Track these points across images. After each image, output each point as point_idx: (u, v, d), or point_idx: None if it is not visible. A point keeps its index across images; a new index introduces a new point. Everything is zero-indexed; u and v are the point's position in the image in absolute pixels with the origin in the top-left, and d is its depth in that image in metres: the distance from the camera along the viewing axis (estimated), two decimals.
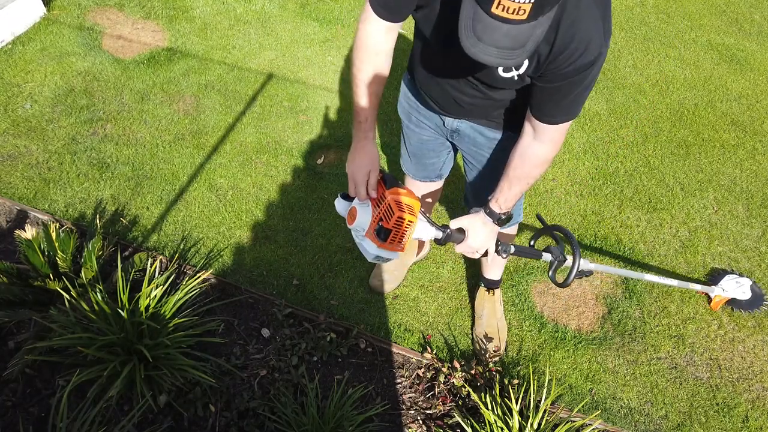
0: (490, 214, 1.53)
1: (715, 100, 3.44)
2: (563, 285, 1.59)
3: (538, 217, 1.84)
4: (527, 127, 1.41)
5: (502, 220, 1.54)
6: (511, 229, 2.01)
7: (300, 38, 3.58)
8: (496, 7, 0.98)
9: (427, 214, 1.58)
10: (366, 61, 1.42)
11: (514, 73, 1.30)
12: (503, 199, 1.50)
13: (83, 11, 3.55)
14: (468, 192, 1.93)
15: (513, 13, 0.98)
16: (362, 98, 1.46)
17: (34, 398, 1.91)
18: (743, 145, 3.17)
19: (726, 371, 2.23)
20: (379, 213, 1.43)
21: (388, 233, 1.41)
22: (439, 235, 1.55)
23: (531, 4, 0.96)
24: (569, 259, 1.67)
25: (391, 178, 1.49)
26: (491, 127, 1.61)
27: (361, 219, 1.48)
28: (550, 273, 1.69)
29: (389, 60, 1.46)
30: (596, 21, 1.17)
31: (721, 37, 3.96)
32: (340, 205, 1.60)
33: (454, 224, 1.58)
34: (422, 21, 1.37)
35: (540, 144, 1.40)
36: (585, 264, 1.78)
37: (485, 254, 1.61)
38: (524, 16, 0.98)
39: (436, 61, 1.49)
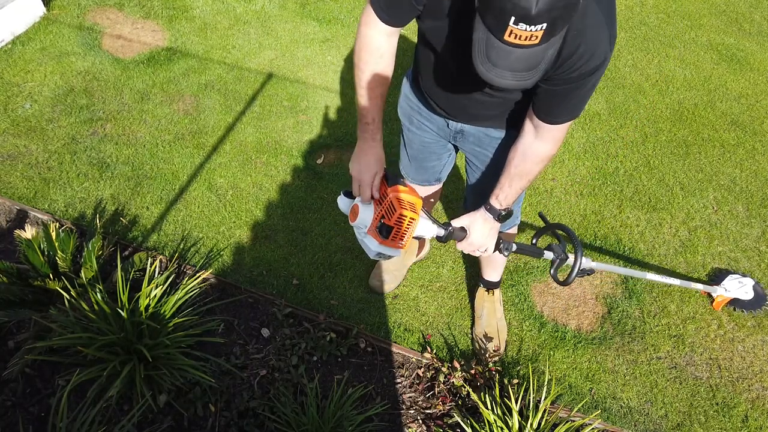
0: (491, 210, 1.54)
1: (714, 100, 3.44)
2: (565, 283, 1.60)
3: (541, 215, 1.85)
4: (528, 126, 1.41)
5: (502, 216, 1.55)
6: (511, 230, 2.01)
7: (300, 38, 3.58)
8: (509, 36, 1.00)
9: (429, 212, 1.59)
10: (369, 62, 1.42)
11: None
12: (503, 195, 1.51)
13: (83, 11, 3.55)
14: (468, 194, 1.92)
15: (525, 40, 1.00)
16: (367, 100, 1.46)
17: (34, 398, 1.91)
18: (743, 144, 3.17)
19: (726, 371, 2.23)
20: (381, 210, 1.44)
21: (389, 230, 1.42)
22: (441, 232, 1.56)
23: (542, 31, 0.98)
24: (571, 257, 1.67)
25: (393, 176, 1.49)
26: (495, 127, 1.61)
27: (363, 216, 1.48)
28: (552, 271, 1.70)
29: (392, 61, 1.46)
30: (602, 28, 1.18)
31: (721, 37, 3.96)
32: (343, 203, 1.61)
33: (456, 223, 1.58)
34: (431, 32, 1.37)
35: (542, 142, 1.41)
36: (587, 262, 1.78)
37: (486, 252, 1.61)
38: (536, 41, 1.01)
39: (447, 71, 1.49)
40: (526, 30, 0.98)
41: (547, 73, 1.24)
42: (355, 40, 1.44)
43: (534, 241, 1.80)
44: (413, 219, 1.41)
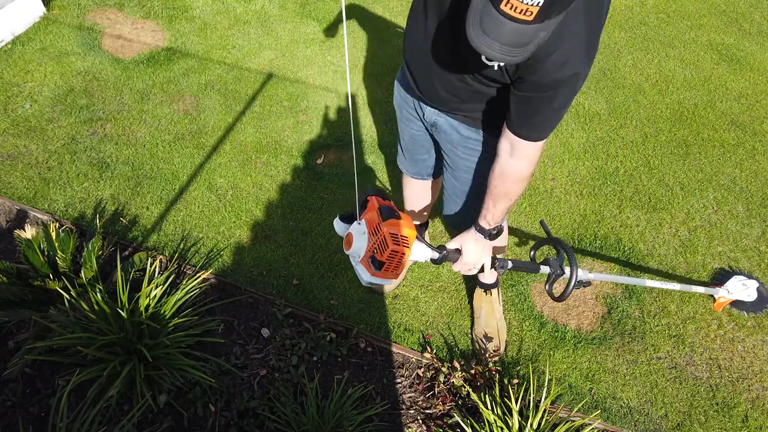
0: (481, 231, 1.58)
1: (714, 100, 3.44)
2: (560, 299, 1.60)
3: (542, 224, 1.84)
4: (504, 145, 1.45)
5: (493, 235, 1.59)
6: (501, 240, 2.01)
7: (300, 38, 3.58)
8: (505, 5, 1.01)
9: (423, 238, 1.60)
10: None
11: (496, 63, 1.32)
12: (491, 216, 1.56)
13: (83, 11, 3.55)
14: (446, 213, 1.96)
15: (521, 13, 1.01)
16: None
17: (34, 398, 1.91)
18: (743, 144, 3.17)
19: (726, 371, 2.23)
20: (374, 244, 1.44)
21: (382, 264, 1.42)
22: (435, 255, 1.58)
23: (539, 7, 0.99)
24: (567, 271, 1.66)
25: (388, 209, 1.48)
26: (467, 124, 1.63)
27: (357, 246, 1.49)
28: (547, 287, 1.69)
29: None
30: (579, 42, 1.20)
31: (721, 37, 3.96)
32: (339, 227, 1.62)
33: (451, 245, 1.62)
34: None
35: (517, 161, 1.45)
36: (584, 274, 1.78)
37: (482, 270, 1.64)
38: (531, 18, 1.01)
39: (428, 31, 1.49)
40: (522, 2, 0.99)
41: (519, 69, 1.26)
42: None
43: (532, 253, 1.79)
44: (404, 254, 1.42)
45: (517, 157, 1.44)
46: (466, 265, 1.61)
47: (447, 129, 1.68)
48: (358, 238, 1.49)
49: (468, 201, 1.80)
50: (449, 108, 1.61)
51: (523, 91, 1.31)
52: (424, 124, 1.78)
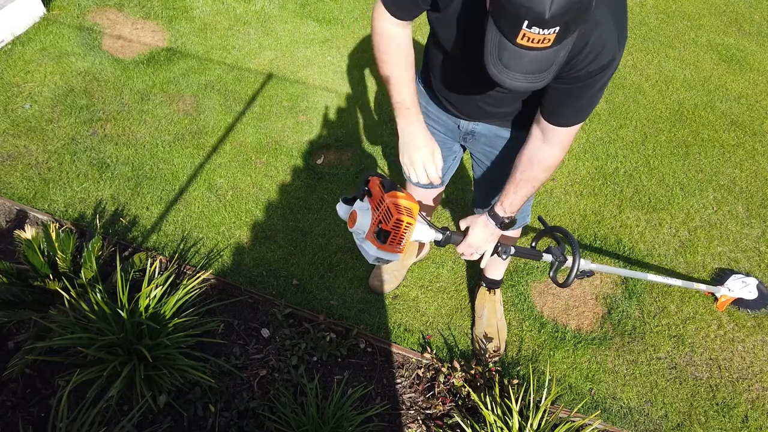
0: (494, 217, 1.54)
1: (714, 100, 3.44)
2: (564, 285, 1.60)
3: (540, 219, 1.85)
4: (536, 131, 1.41)
5: (505, 224, 1.55)
6: (515, 232, 2.01)
7: (300, 38, 3.58)
8: (522, 39, 1.00)
9: (427, 217, 1.60)
10: (390, 52, 1.45)
11: None
12: (508, 202, 1.51)
13: (83, 11, 3.55)
14: (478, 193, 1.92)
15: (538, 43, 1.00)
16: (401, 86, 1.48)
17: (33, 398, 1.91)
18: (743, 145, 3.17)
19: (726, 371, 2.23)
20: (378, 216, 1.45)
21: (387, 235, 1.43)
22: (439, 237, 1.57)
23: (555, 34, 0.99)
24: (569, 259, 1.68)
25: (390, 182, 1.50)
26: (507, 126, 1.62)
27: (361, 222, 1.50)
28: (551, 273, 1.70)
29: (411, 49, 1.49)
30: (610, 28, 1.18)
31: (721, 37, 3.96)
32: (342, 209, 1.62)
33: (462, 223, 1.60)
34: (441, 30, 1.38)
35: (549, 147, 1.41)
36: (586, 264, 1.79)
37: (482, 258, 1.62)
38: (549, 44, 1.01)
39: (458, 70, 1.49)
40: (539, 33, 0.98)
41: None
42: (372, 37, 1.46)
43: (533, 244, 1.80)
44: (410, 224, 1.43)
45: (550, 143, 1.40)
46: (469, 248, 1.58)
47: (487, 134, 1.66)
48: (362, 214, 1.50)
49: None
50: (491, 117, 1.60)
51: (560, 83, 1.28)
52: (450, 134, 1.74)
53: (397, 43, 1.44)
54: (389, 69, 1.46)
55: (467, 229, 1.59)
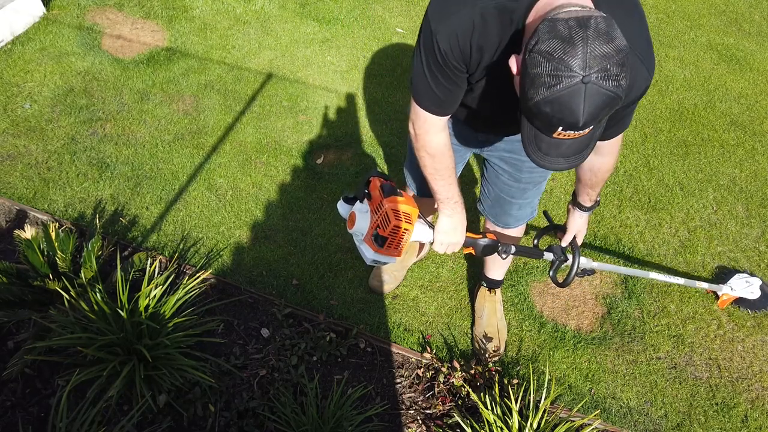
0: (580, 207, 1.68)
1: (714, 100, 3.44)
2: (563, 285, 1.61)
3: (545, 214, 1.85)
4: None
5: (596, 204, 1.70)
6: (518, 230, 2.00)
7: (299, 38, 3.58)
8: (557, 135, 1.05)
9: (427, 218, 1.60)
10: (443, 161, 1.47)
11: None
12: (587, 197, 1.65)
13: (83, 11, 3.55)
14: (488, 196, 1.89)
15: (574, 135, 1.04)
16: (451, 186, 1.53)
17: (33, 398, 1.91)
18: (742, 145, 3.17)
19: (725, 371, 2.23)
20: (377, 221, 1.46)
21: (384, 240, 1.44)
22: None
23: (590, 128, 1.03)
24: (570, 258, 1.68)
25: (390, 186, 1.50)
26: None
27: (360, 224, 1.50)
28: (551, 272, 1.70)
29: (449, 141, 1.50)
30: (639, 67, 1.20)
31: (721, 37, 3.96)
32: (342, 208, 1.62)
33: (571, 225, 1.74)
34: (471, 91, 1.39)
35: (601, 157, 1.50)
36: (587, 263, 1.79)
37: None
38: (586, 132, 1.05)
39: (484, 115, 1.52)
40: (573, 132, 1.03)
41: None
42: (416, 151, 1.47)
43: (535, 242, 1.80)
44: (407, 230, 1.43)
45: (602, 154, 1.49)
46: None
47: (505, 139, 1.66)
48: (361, 216, 1.51)
49: (532, 191, 1.81)
50: (515, 132, 1.61)
51: None
52: (463, 141, 1.73)
53: (442, 152, 1.46)
54: (439, 175, 1.50)
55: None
